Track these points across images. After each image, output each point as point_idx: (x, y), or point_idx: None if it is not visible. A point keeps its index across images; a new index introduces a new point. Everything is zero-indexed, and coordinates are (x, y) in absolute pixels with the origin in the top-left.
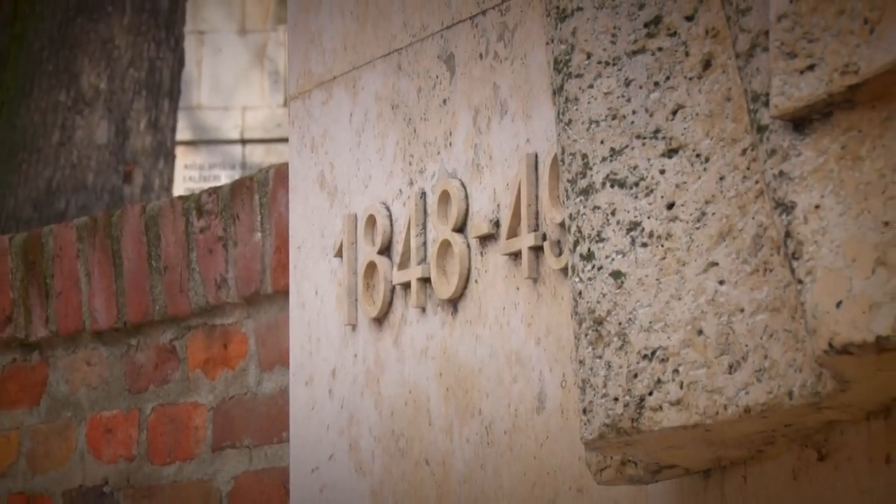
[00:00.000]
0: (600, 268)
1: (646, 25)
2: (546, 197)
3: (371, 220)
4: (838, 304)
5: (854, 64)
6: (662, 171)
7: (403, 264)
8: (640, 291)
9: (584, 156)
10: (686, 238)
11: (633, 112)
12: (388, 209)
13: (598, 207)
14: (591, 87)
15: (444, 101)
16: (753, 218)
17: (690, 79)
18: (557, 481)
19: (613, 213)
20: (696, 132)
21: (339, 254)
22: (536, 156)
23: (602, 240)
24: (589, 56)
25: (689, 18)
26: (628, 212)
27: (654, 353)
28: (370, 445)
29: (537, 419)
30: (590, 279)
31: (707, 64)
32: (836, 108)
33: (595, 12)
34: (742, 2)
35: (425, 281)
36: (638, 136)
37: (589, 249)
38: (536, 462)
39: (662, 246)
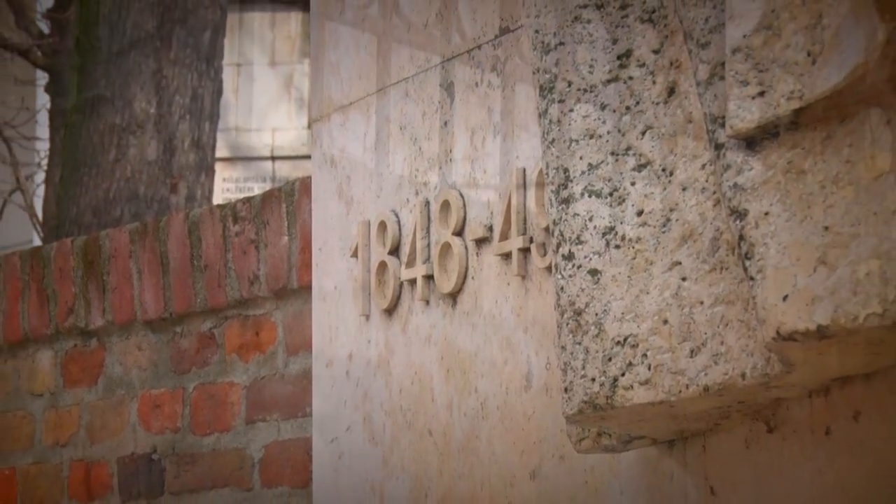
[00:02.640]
0: (580, 266)
1: (619, 58)
2: (533, 205)
3: (382, 225)
4: (784, 298)
5: (799, 91)
6: (633, 183)
7: (410, 263)
8: (613, 287)
9: (566, 170)
10: (653, 241)
11: (608, 132)
12: (396, 216)
13: (578, 214)
14: (571, 110)
15: (446, 123)
16: (712, 223)
17: (657, 103)
18: (542, 450)
19: (591, 220)
20: (662, 149)
21: (354, 254)
22: (524, 170)
23: (581, 242)
24: (570, 84)
25: (656, 52)
26: (604, 218)
27: (625, 340)
28: (381, 418)
29: (525, 396)
30: (570, 276)
31: (671, 91)
32: (783, 128)
33: (575, 46)
34: (702, 37)
35: (429, 278)
36: (612, 153)
37: (570, 251)
38: (524, 433)
39: (633, 248)
